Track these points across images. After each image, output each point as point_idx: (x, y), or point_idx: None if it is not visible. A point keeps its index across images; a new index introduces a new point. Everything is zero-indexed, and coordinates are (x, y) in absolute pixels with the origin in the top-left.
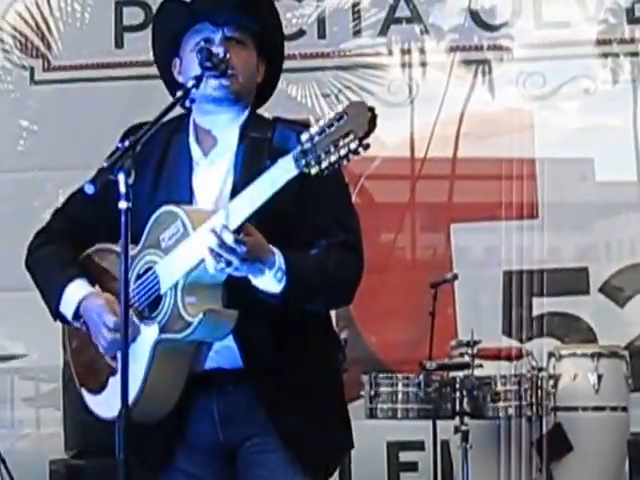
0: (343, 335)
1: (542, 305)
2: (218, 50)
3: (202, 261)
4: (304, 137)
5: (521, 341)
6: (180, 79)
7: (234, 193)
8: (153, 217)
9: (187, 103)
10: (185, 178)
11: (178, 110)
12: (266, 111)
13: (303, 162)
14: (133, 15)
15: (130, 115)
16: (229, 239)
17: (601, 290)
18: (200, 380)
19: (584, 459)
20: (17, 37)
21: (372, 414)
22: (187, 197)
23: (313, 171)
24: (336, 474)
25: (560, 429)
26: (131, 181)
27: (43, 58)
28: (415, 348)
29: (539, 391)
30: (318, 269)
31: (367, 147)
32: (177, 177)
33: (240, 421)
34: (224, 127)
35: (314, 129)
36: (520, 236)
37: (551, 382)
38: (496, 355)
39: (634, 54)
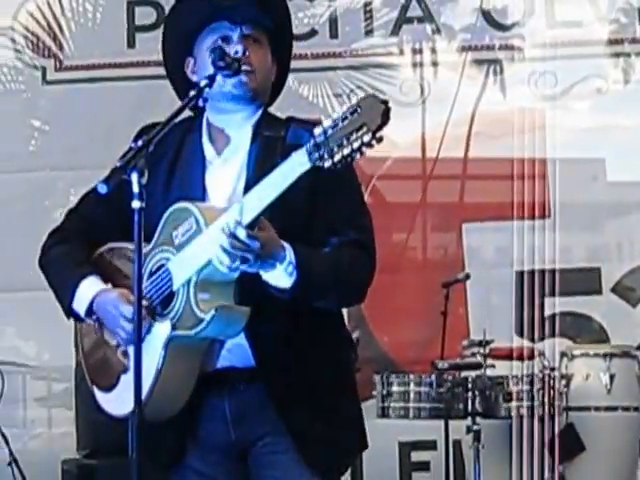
0: (355, 335)
1: (554, 305)
2: (237, 48)
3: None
4: (317, 131)
5: (533, 341)
6: (194, 78)
7: (247, 192)
8: (166, 214)
9: (200, 102)
10: (198, 177)
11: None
12: (277, 111)
13: (316, 155)
14: (145, 15)
15: (142, 115)
16: (242, 235)
17: (613, 290)
18: (212, 379)
19: (596, 459)
20: (29, 37)
21: (384, 414)
22: (200, 196)
23: (326, 164)
24: (348, 474)
25: (572, 429)
26: (144, 181)
27: (55, 58)
28: (427, 348)
29: (551, 391)
30: (329, 266)
31: (380, 140)
32: (190, 176)
33: (252, 420)
34: (237, 126)
35: (327, 122)
36: (532, 236)
37: (563, 382)
38: (508, 355)
39: None
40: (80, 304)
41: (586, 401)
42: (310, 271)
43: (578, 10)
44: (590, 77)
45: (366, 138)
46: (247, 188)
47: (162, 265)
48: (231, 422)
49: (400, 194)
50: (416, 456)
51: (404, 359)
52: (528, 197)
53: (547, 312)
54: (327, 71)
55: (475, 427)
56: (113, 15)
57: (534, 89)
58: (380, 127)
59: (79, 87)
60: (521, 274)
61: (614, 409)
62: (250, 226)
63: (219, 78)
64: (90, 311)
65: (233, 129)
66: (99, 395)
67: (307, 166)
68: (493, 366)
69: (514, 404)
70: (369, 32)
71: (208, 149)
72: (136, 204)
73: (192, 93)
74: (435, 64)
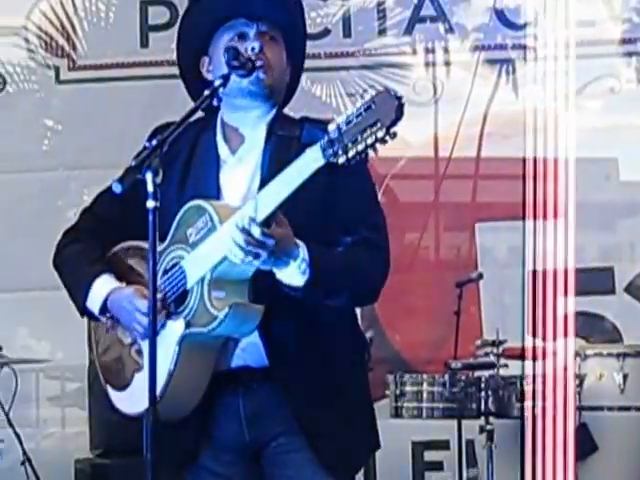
0: (368, 334)
1: (567, 305)
2: (253, 44)
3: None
4: (331, 127)
5: (546, 340)
6: (209, 77)
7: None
8: (180, 212)
9: (215, 102)
10: (213, 176)
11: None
12: (290, 110)
13: (330, 152)
14: (158, 14)
15: (155, 114)
16: (256, 232)
17: (627, 290)
18: (226, 378)
19: (609, 459)
20: (42, 37)
21: (397, 413)
22: (215, 195)
23: (340, 161)
24: (360, 473)
25: (585, 429)
26: (159, 180)
27: (68, 58)
28: (440, 347)
29: (564, 391)
30: (342, 265)
31: (394, 136)
32: (204, 175)
33: (266, 420)
34: (252, 125)
35: (341, 118)
36: (545, 235)
37: (576, 382)
38: (521, 355)
39: None
40: (94, 302)
41: (599, 401)
42: (323, 270)
43: (591, 9)
44: (603, 77)
45: (380, 134)
46: (261, 188)
47: (176, 263)
48: (245, 421)
49: (413, 194)
50: (429, 456)
51: (417, 359)
52: (541, 197)
53: (560, 312)
54: (340, 70)
55: (488, 427)
56: (126, 15)
57: (547, 89)
58: (394, 123)
59: (92, 87)
60: (534, 274)
61: (627, 409)
62: (265, 222)
63: (234, 76)
64: (104, 309)
65: (247, 128)
66: (113, 394)
67: (321, 162)
68: (506, 366)
69: (527, 404)
70: (382, 31)
71: (222, 148)
72: (150, 203)
73: (206, 92)
74: (448, 64)
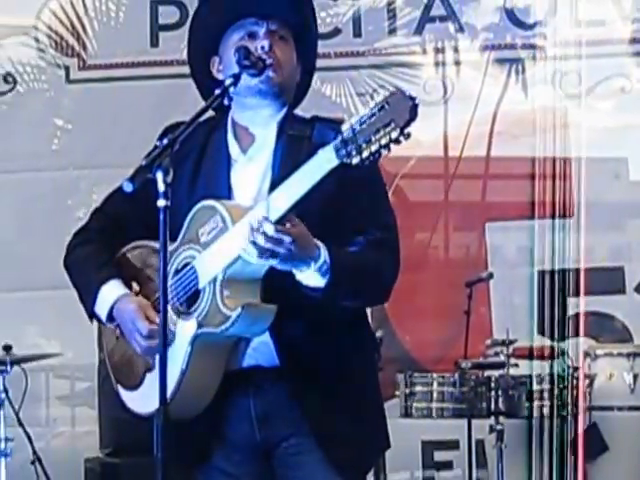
0: (378, 334)
1: (577, 304)
2: (263, 43)
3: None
4: (345, 127)
5: (556, 340)
6: (220, 76)
7: (273, 191)
8: (192, 212)
9: (225, 101)
10: (223, 175)
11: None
12: (300, 110)
13: (344, 152)
14: (168, 14)
15: (165, 114)
16: (270, 230)
17: (637, 289)
18: (237, 377)
19: (619, 459)
20: (52, 36)
21: (407, 413)
22: (226, 194)
23: (354, 161)
24: (370, 473)
25: (596, 429)
26: (169, 179)
27: (78, 57)
28: (450, 347)
29: (574, 390)
30: (359, 265)
31: (408, 136)
32: (215, 174)
33: (277, 420)
34: (262, 124)
35: (355, 119)
36: (554, 235)
37: (586, 381)
38: (531, 354)
39: None
40: (101, 309)
41: (609, 401)
42: (343, 271)
43: (601, 9)
44: (613, 76)
45: (394, 134)
46: (273, 187)
47: (188, 263)
48: (256, 422)
49: (423, 193)
50: (439, 456)
51: (427, 358)
52: (551, 196)
53: (570, 311)
54: (350, 70)
55: (498, 426)
56: (136, 14)
57: (557, 88)
58: (408, 123)
59: (102, 86)
60: (543, 273)
61: (638, 409)
62: (278, 223)
63: (244, 75)
64: (110, 316)
65: (258, 127)
66: (124, 394)
67: (334, 163)
68: (516, 365)
69: (537, 404)
70: (392, 31)
71: (233, 147)
72: (161, 203)
73: (217, 92)
74: (458, 63)
